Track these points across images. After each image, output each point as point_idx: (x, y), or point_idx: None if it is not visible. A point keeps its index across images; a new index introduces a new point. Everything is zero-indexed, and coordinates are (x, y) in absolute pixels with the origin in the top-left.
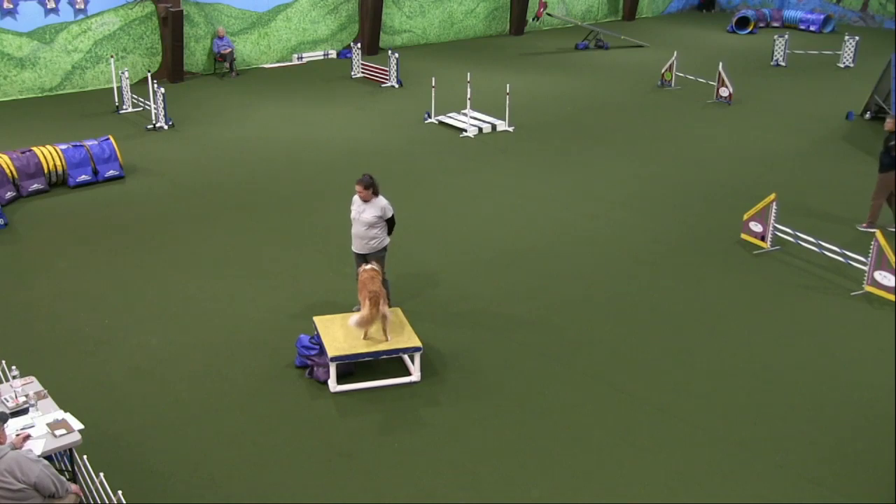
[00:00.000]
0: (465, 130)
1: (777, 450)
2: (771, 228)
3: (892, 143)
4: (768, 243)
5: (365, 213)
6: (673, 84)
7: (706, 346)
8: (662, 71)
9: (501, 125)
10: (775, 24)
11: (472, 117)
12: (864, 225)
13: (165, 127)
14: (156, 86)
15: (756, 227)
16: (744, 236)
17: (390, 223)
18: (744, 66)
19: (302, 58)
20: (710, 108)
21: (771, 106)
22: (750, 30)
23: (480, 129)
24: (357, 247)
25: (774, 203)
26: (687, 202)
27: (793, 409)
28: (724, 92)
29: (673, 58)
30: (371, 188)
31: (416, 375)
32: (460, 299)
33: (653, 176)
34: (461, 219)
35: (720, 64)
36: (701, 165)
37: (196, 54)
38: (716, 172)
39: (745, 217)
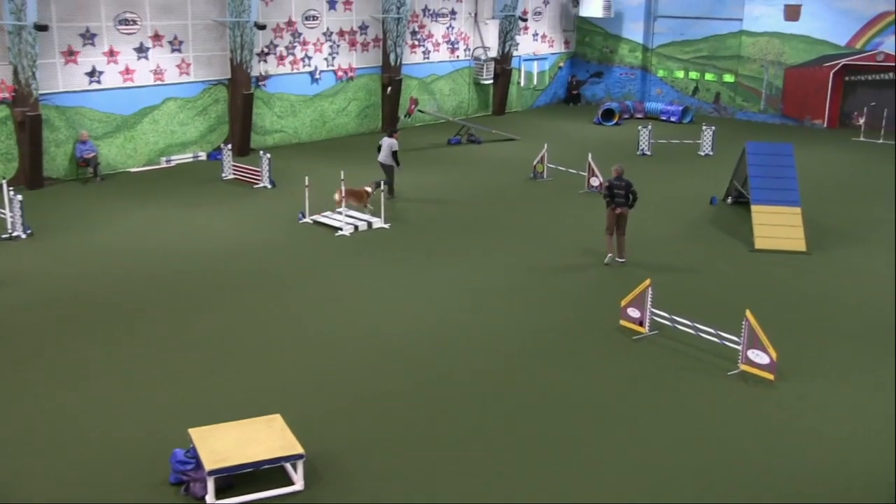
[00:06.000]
0: (341, 229)
1: None
2: (648, 313)
3: (606, 184)
4: (646, 328)
5: None
6: (545, 175)
7: (593, 433)
8: (534, 163)
9: (377, 222)
10: (638, 116)
11: (347, 215)
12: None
13: (23, 236)
14: (12, 193)
15: (634, 312)
16: (623, 322)
17: None
18: (612, 156)
19: (171, 161)
20: (583, 197)
21: (642, 193)
22: (615, 121)
23: (356, 227)
24: None
25: (650, 288)
26: (567, 291)
27: (679, 486)
28: (594, 182)
29: (543, 150)
30: None
31: (299, 484)
32: (342, 400)
33: (531, 266)
34: (340, 318)
35: (589, 154)
36: (578, 253)
37: (57, 159)
38: (593, 259)
39: (623, 303)
